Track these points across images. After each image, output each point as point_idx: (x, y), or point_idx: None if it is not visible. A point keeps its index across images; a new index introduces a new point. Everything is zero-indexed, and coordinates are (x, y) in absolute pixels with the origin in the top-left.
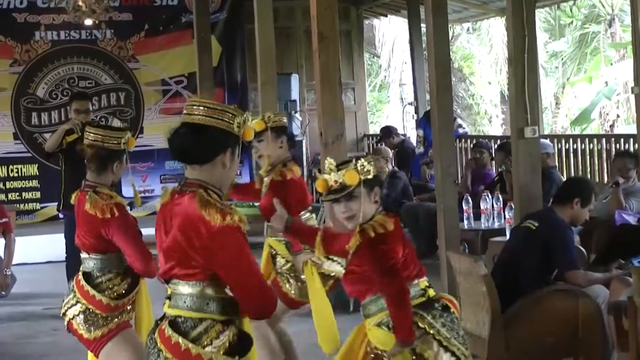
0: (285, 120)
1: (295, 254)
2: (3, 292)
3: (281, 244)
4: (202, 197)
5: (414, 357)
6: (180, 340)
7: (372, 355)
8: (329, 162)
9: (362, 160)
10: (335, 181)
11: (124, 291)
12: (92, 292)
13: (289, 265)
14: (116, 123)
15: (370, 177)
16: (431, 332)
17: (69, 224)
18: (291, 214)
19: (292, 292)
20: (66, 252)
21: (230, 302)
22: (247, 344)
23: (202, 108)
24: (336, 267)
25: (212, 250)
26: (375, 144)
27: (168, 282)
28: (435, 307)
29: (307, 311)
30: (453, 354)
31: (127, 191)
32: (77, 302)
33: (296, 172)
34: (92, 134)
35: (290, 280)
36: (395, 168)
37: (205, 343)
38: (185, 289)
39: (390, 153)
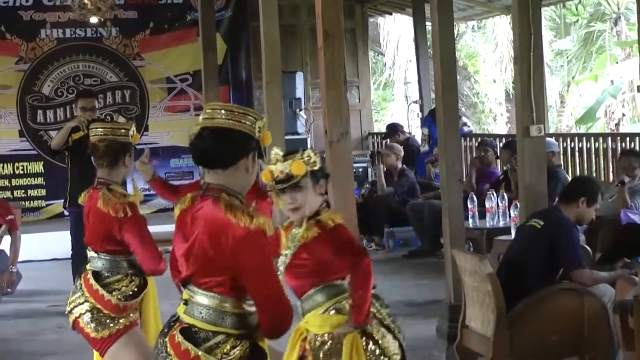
0: None
1: None
2: (9, 289)
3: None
4: (227, 201)
5: (364, 338)
6: (190, 347)
7: (308, 347)
8: (275, 153)
9: (309, 151)
10: (282, 171)
11: (132, 292)
12: (101, 291)
13: None
14: (121, 120)
15: (316, 168)
16: (379, 316)
17: (75, 221)
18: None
19: None
20: (72, 250)
21: (247, 318)
22: (260, 358)
23: (224, 112)
24: None
25: (238, 254)
26: (380, 142)
27: (185, 286)
28: (381, 297)
29: None
30: (395, 337)
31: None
32: (85, 300)
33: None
34: (100, 129)
35: None
36: (404, 166)
37: (218, 357)
38: (203, 299)
39: (402, 150)
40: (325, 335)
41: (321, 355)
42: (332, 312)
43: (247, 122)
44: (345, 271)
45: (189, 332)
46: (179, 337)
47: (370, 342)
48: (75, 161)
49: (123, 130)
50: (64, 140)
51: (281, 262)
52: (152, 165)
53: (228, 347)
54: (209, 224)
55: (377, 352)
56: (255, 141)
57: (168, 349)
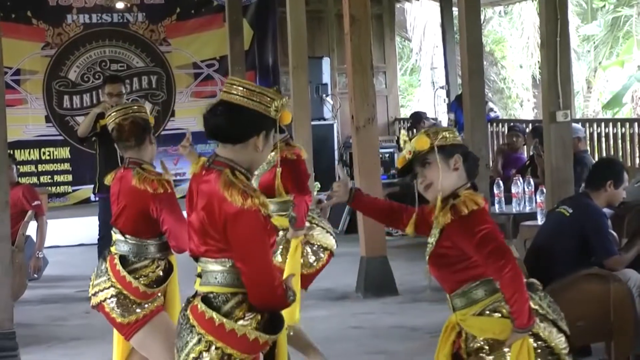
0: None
1: (297, 229)
2: (35, 275)
3: (283, 218)
4: (227, 177)
5: (539, 342)
6: (215, 315)
7: (463, 345)
8: (403, 134)
9: (436, 127)
10: (410, 151)
11: (158, 278)
12: (128, 277)
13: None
14: (148, 106)
15: (445, 143)
16: (542, 312)
17: (104, 207)
18: (305, 195)
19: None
20: (99, 234)
21: None
22: (278, 322)
23: (241, 88)
24: (329, 240)
25: (229, 230)
26: (407, 128)
27: (197, 260)
28: (537, 288)
29: (337, 295)
30: (564, 333)
31: None
32: (111, 285)
33: (303, 152)
34: (115, 112)
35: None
36: None
37: (238, 317)
38: (215, 266)
39: None
40: (487, 340)
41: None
42: (495, 314)
43: (263, 102)
44: (489, 270)
45: (208, 300)
46: (202, 307)
47: (537, 341)
48: (104, 147)
49: (141, 108)
50: (90, 127)
51: (427, 250)
52: (194, 148)
53: (247, 306)
54: (207, 198)
55: (546, 351)
56: (270, 120)
57: (191, 320)
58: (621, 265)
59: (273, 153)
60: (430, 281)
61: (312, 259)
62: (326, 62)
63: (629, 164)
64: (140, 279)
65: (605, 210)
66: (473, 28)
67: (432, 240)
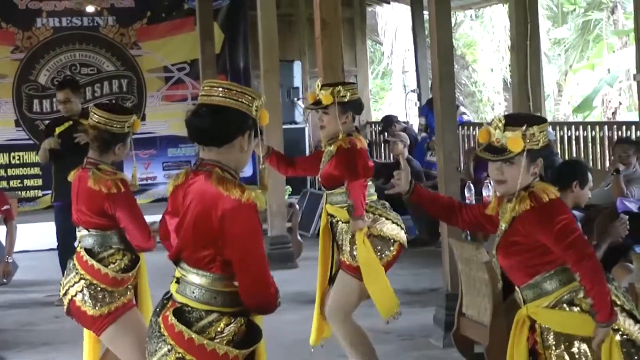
0: (356, 91)
1: (355, 218)
2: (5, 280)
3: (342, 210)
4: (219, 174)
5: (622, 336)
6: (184, 329)
7: (539, 339)
8: (498, 118)
9: (535, 128)
10: (498, 139)
11: (126, 266)
12: (97, 265)
13: (347, 227)
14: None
15: (536, 147)
16: (619, 303)
17: (61, 215)
18: (358, 181)
19: (345, 258)
20: (57, 242)
21: (239, 295)
22: (255, 335)
23: (221, 89)
24: (394, 230)
25: (225, 224)
26: (378, 132)
27: (177, 264)
28: (610, 278)
29: (300, 300)
30: (637, 320)
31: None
32: (81, 278)
33: (363, 142)
34: (96, 116)
35: (346, 247)
36: (409, 155)
37: (210, 335)
38: (194, 278)
39: (408, 138)
40: (563, 334)
41: (566, 356)
42: (574, 308)
43: (244, 101)
44: (569, 261)
45: (182, 313)
46: (172, 319)
47: (620, 335)
48: (59, 155)
49: (119, 122)
50: (48, 156)
51: (494, 240)
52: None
53: (222, 325)
54: (200, 197)
55: (628, 344)
56: (252, 120)
57: (162, 330)
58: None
59: (331, 147)
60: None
61: (379, 251)
62: (297, 66)
63: (599, 167)
64: (110, 265)
65: (576, 212)
66: (444, 31)
67: (502, 228)
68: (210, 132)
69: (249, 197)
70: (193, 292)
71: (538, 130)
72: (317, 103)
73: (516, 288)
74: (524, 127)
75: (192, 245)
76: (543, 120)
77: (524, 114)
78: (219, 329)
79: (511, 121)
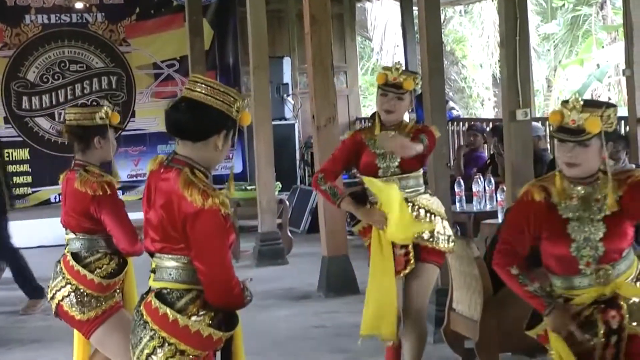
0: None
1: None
2: None
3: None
4: (187, 176)
5: None
6: (168, 311)
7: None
8: (575, 99)
9: (611, 110)
10: (573, 120)
11: (113, 270)
12: (82, 271)
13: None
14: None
15: (610, 130)
16: None
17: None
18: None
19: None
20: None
21: None
22: (233, 319)
23: (204, 86)
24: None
25: (187, 230)
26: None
27: (152, 256)
28: None
29: (290, 296)
30: None
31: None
32: (67, 283)
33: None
34: (70, 114)
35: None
36: None
37: (192, 313)
38: (170, 262)
39: None
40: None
41: None
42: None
43: (225, 101)
44: None
45: (162, 296)
46: (155, 302)
47: None
48: None
49: (87, 114)
50: None
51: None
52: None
53: (201, 302)
54: (166, 198)
55: None
56: (231, 120)
57: (145, 316)
58: None
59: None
60: None
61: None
62: (287, 62)
63: None
64: (96, 271)
65: None
66: (433, 27)
67: (601, 215)
68: (185, 127)
69: (212, 204)
70: (170, 274)
71: (613, 112)
72: (395, 86)
73: (603, 268)
74: (603, 108)
75: (164, 240)
76: (614, 105)
77: (594, 100)
78: (199, 305)
79: (588, 103)
